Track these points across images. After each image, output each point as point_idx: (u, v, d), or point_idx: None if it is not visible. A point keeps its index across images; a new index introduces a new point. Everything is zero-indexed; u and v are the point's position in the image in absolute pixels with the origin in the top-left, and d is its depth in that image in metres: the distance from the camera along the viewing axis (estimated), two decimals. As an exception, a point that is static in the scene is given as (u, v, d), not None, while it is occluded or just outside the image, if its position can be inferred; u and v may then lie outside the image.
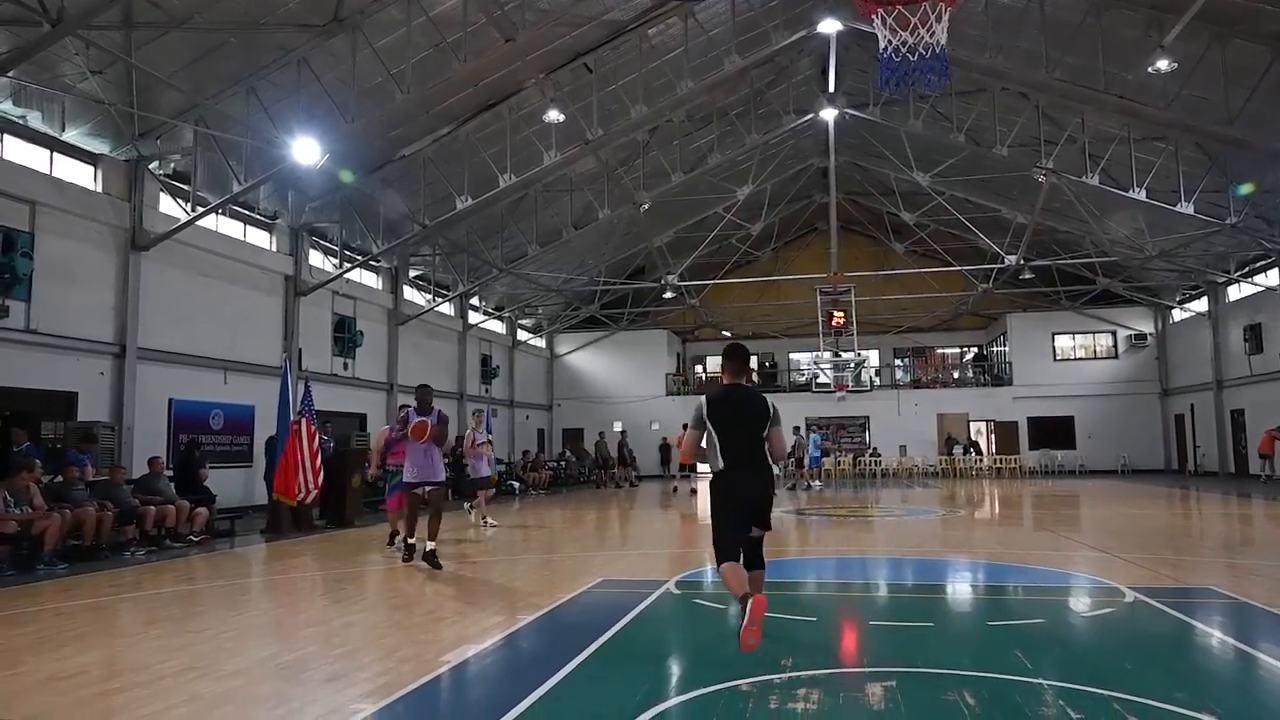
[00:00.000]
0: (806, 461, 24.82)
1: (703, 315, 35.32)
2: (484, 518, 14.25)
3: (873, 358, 34.75)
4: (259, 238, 19.02)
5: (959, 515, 15.90)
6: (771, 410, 5.49)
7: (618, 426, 35.21)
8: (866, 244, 34.28)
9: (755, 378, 35.94)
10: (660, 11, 17.75)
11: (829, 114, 23.07)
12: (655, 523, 15.90)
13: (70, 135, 14.21)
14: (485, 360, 30.08)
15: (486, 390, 29.78)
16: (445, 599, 7.54)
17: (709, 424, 5.43)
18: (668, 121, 22.02)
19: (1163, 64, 15.77)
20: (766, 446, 5.44)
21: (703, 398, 5.59)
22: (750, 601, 4.89)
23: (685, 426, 5.83)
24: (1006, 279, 29.04)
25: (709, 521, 5.59)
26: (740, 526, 5.43)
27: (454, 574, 9.11)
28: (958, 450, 31.87)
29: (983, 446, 33.55)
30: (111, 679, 5.01)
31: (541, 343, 35.78)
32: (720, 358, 6.04)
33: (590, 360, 36.46)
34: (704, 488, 6.29)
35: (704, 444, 5.49)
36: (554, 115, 18.69)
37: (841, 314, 26.39)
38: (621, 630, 6.08)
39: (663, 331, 36.46)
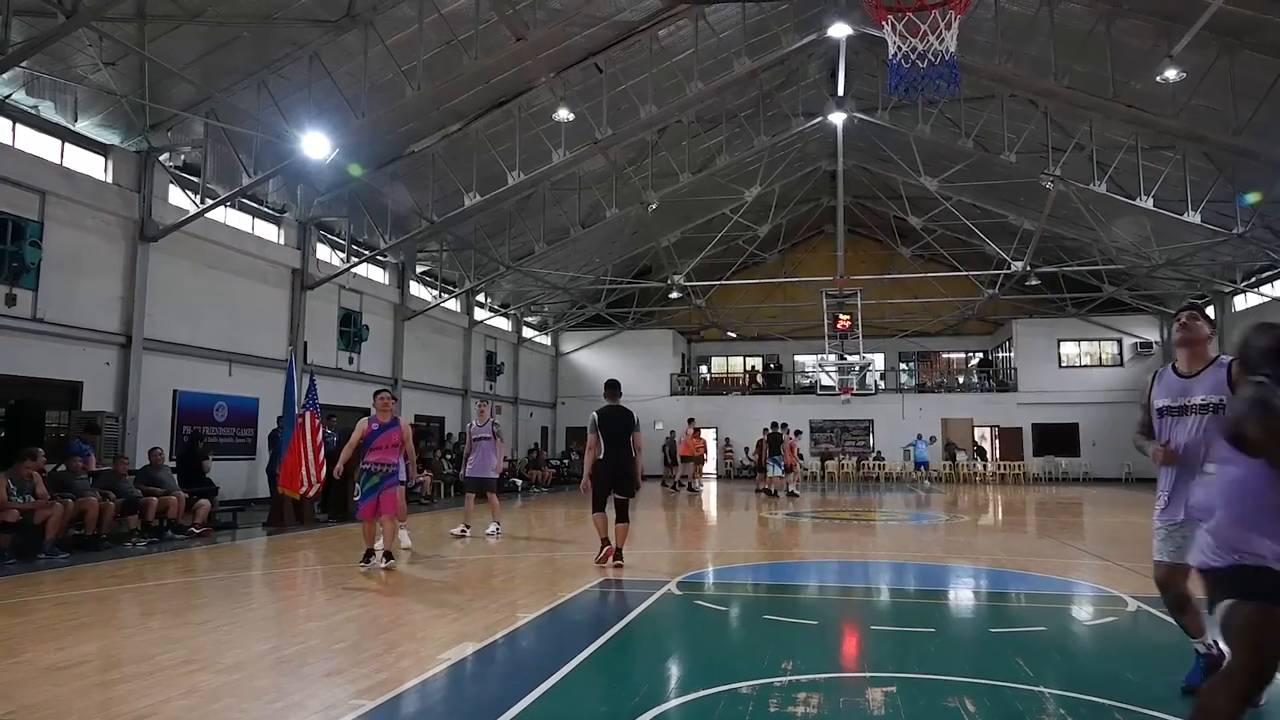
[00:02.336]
0: (777, 466, 22.64)
1: (708, 316, 35.32)
2: (464, 524, 12.02)
3: (878, 361, 34.74)
4: (267, 231, 19.06)
5: (961, 521, 15.88)
6: (635, 421, 9.22)
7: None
8: (873, 247, 34.28)
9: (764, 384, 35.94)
10: (671, 13, 17.75)
11: (838, 117, 23.05)
12: (656, 523, 15.90)
13: (82, 126, 14.26)
14: (490, 357, 30.11)
15: (491, 387, 29.81)
16: (446, 596, 7.54)
17: (600, 430, 9.06)
18: (677, 122, 22.03)
19: (1171, 73, 15.73)
20: (631, 442, 9.10)
21: (595, 413, 9.20)
22: (605, 548, 9.08)
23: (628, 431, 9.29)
24: (1013, 285, 29.00)
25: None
26: (607, 491, 9.07)
27: (455, 571, 9.13)
28: (961, 456, 31.76)
29: (987, 452, 33.46)
30: (111, 669, 5.03)
31: (547, 340, 35.81)
32: (603, 388, 9.62)
33: (595, 359, 36.47)
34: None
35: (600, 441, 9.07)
36: (563, 114, 18.71)
37: (847, 317, 26.39)
38: (622, 630, 6.08)
39: (668, 331, 36.47)
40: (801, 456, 26.00)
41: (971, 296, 31.35)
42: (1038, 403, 32.94)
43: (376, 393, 9.57)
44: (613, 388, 9.51)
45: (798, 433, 25.82)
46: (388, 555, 9.04)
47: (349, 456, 9.43)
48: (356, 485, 8.87)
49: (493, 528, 12.17)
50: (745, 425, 28.48)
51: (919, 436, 27.78)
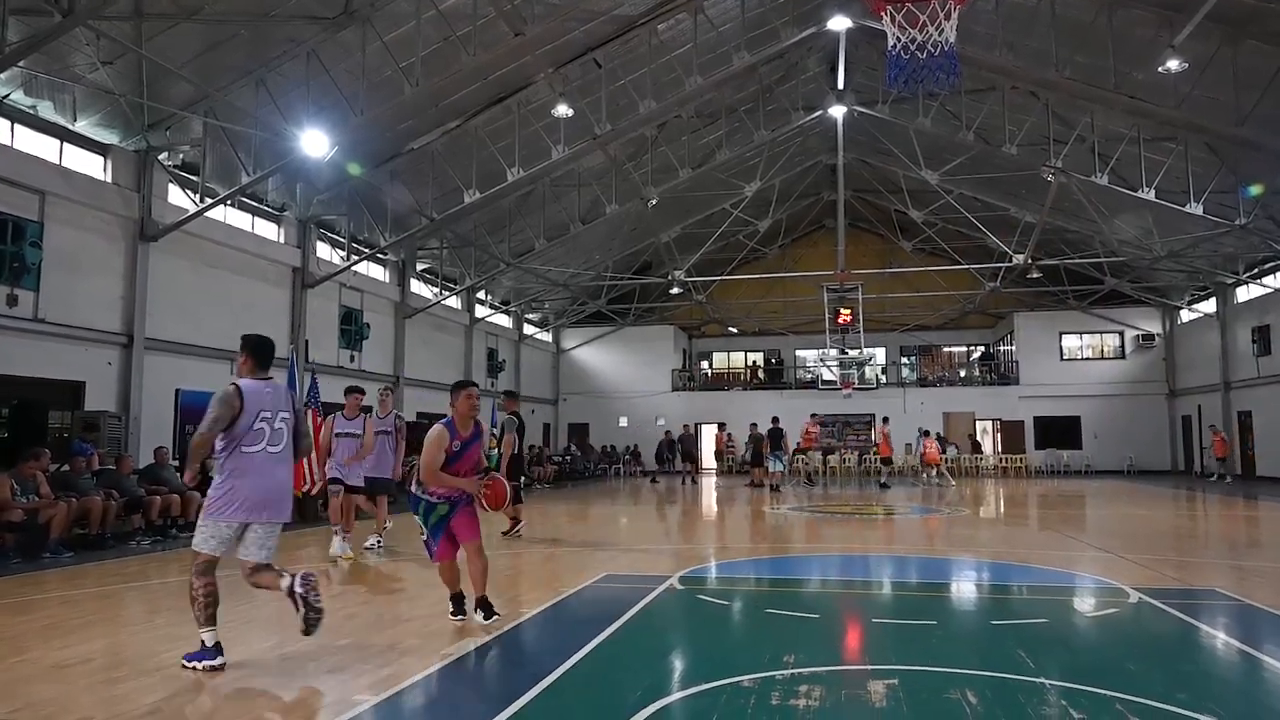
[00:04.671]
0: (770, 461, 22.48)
1: (709, 311, 35.30)
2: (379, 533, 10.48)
3: (879, 355, 34.71)
4: (267, 229, 19.07)
5: (963, 514, 15.89)
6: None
7: (623, 422, 35.27)
8: (874, 241, 34.25)
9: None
10: (670, 7, 17.71)
11: (838, 111, 23.01)
12: (658, 518, 15.91)
13: (80, 125, 14.26)
14: (491, 354, 30.12)
15: (492, 384, 29.82)
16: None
17: (518, 433, 11.73)
18: (676, 117, 21.99)
19: (1173, 64, 15.67)
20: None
21: (516, 416, 11.89)
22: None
23: (512, 432, 11.76)
24: (1014, 278, 28.97)
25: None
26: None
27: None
28: (951, 451, 31.53)
29: (985, 446, 33.31)
30: (116, 667, 5.04)
31: (548, 337, 35.81)
32: (503, 394, 12.48)
33: (596, 355, 36.49)
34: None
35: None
36: (563, 110, 18.68)
37: (848, 311, 26.34)
38: (624, 625, 6.09)
39: (669, 327, 36.46)
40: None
41: (973, 290, 31.32)
42: (1039, 396, 32.91)
43: (459, 386, 6.20)
44: (512, 395, 12.33)
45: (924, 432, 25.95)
46: (487, 608, 6.05)
47: (433, 480, 5.90)
48: (416, 519, 6.18)
49: (373, 540, 10.27)
50: (747, 421, 28.48)
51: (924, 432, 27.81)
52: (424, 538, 6.17)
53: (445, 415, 6.05)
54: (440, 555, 6.14)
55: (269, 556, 5.32)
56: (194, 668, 4.84)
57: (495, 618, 6.02)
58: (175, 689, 4.53)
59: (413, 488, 6.06)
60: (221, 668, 4.87)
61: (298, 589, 5.08)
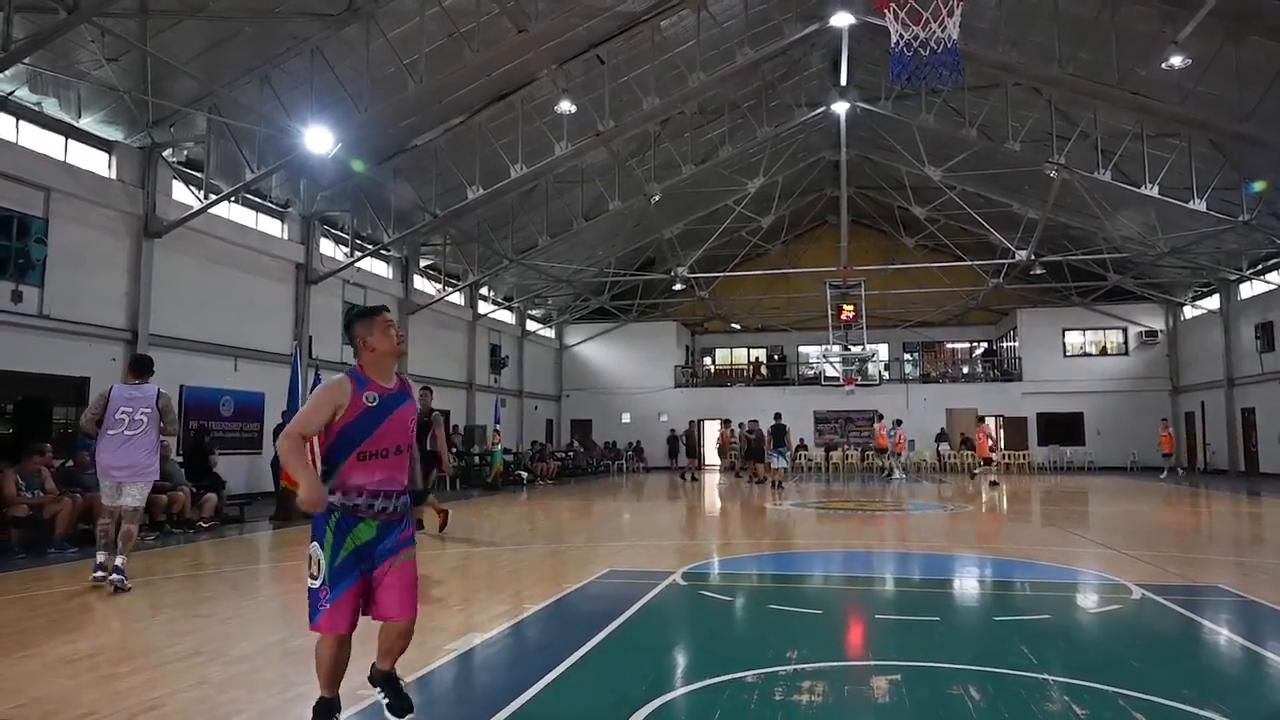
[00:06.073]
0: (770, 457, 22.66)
1: (712, 307, 35.31)
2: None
3: (882, 352, 34.72)
4: (271, 226, 19.09)
5: (965, 510, 15.89)
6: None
7: (626, 418, 35.29)
8: (877, 238, 34.23)
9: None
10: (673, 3, 17.70)
11: (841, 107, 22.99)
12: (661, 514, 15.94)
13: (85, 122, 14.28)
14: (494, 350, 30.14)
15: (495, 380, 29.85)
16: (452, 587, 7.58)
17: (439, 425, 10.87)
18: (679, 113, 21.98)
19: (1176, 60, 15.65)
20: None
21: (440, 413, 10.93)
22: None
23: (442, 423, 11.01)
24: (1017, 274, 28.94)
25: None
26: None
27: (460, 562, 9.17)
28: (943, 448, 31.45)
29: (976, 442, 32.98)
30: (120, 662, 5.06)
31: (551, 333, 35.84)
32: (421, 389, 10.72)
33: (599, 351, 36.51)
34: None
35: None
36: (566, 106, 18.67)
37: (851, 307, 26.35)
38: (627, 621, 6.10)
39: (672, 323, 36.49)
40: (993, 449, 24.63)
41: (976, 286, 31.29)
42: (1042, 392, 32.89)
43: (366, 314, 4.20)
44: (428, 390, 11.41)
45: (897, 421, 25.65)
46: (395, 687, 4.11)
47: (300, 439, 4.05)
48: (312, 548, 3.83)
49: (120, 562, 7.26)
50: (749, 417, 28.58)
51: (898, 422, 27.61)
52: (314, 582, 3.73)
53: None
54: (330, 621, 3.71)
55: (135, 503, 7.38)
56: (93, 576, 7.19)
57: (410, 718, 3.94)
58: (179, 684, 4.55)
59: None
60: (100, 579, 7.13)
61: (116, 566, 7.19)
